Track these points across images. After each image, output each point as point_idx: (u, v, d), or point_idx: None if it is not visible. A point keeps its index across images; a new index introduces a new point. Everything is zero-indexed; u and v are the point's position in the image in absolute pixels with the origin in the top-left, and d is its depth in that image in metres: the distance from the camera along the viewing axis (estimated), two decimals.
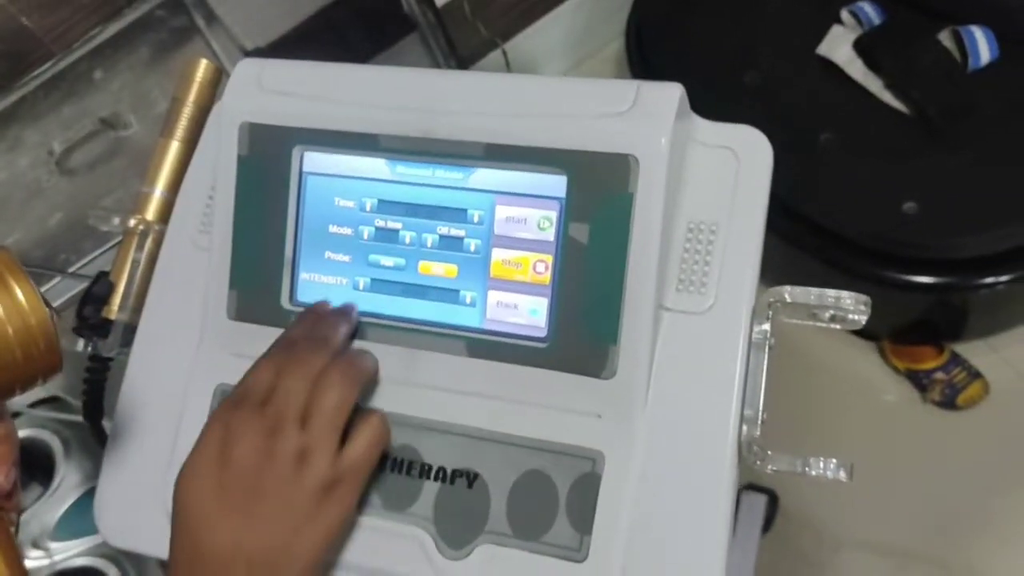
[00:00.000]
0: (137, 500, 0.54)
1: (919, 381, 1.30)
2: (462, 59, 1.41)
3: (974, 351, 1.30)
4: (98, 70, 1.15)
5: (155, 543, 0.53)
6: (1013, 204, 1.13)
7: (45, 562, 1.25)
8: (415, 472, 0.49)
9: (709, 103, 1.23)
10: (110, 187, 1.13)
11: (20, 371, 0.39)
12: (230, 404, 0.46)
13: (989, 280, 1.16)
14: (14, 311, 0.38)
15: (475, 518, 0.48)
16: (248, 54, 1.23)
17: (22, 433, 1.27)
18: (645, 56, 1.38)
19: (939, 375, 1.28)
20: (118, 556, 1.24)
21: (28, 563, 1.25)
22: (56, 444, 1.27)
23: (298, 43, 1.29)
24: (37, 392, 1.28)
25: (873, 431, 1.29)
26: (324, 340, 0.48)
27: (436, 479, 0.49)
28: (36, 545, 1.26)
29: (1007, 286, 1.16)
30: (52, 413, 1.27)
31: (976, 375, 1.28)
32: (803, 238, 1.17)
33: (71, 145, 1.13)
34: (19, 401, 1.29)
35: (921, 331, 1.30)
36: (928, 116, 1.17)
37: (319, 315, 0.50)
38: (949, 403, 1.28)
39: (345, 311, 0.51)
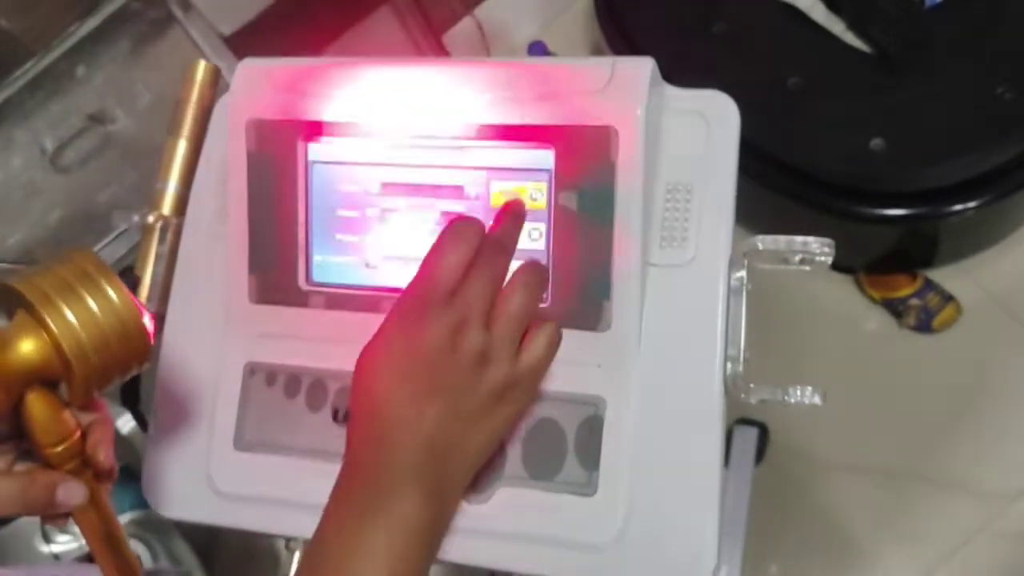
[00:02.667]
0: (182, 474, 0.59)
1: (895, 308, 1.36)
2: (435, 28, 1.44)
3: (946, 276, 1.36)
4: (80, 66, 1.17)
5: (201, 511, 0.58)
6: (974, 133, 1.18)
7: (73, 546, 1.30)
8: None
9: (679, 55, 1.27)
10: (105, 181, 1.16)
11: (117, 362, 0.42)
12: (417, 294, 0.46)
13: (956, 208, 1.21)
14: (108, 309, 0.42)
15: (493, 465, 0.53)
16: (226, 39, 1.25)
17: None
18: (615, 12, 1.41)
19: (914, 301, 1.34)
20: (146, 536, 1.29)
21: (56, 548, 1.31)
22: None
23: (272, 23, 1.31)
24: None
25: (854, 359, 1.35)
26: (504, 246, 0.48)
27: None
28: (63, 529, 1.31)
29: (974, 212, 1.21)
30: None
31: (949, 298, 1.34)
32: (778, 181, 1.22)
33: (62, 143, 1.15)
34: None
35: (894, 261, 1.36)
36: (889, 53, 1.22)
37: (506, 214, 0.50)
38: (925, 327, 1.34)
39: (514, 211, 0.50)
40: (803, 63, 1.25)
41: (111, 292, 0.42)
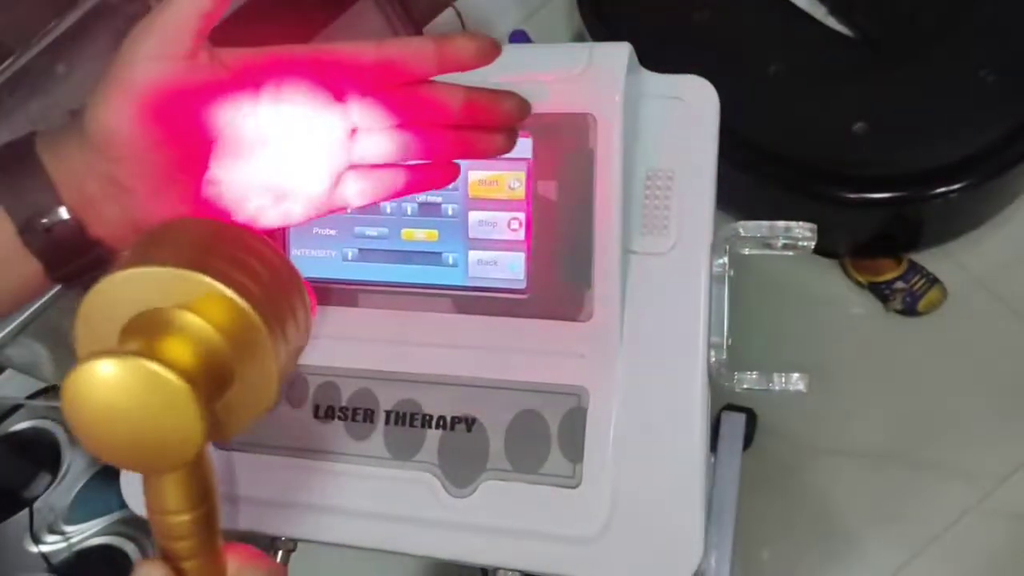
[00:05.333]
0: None
1: (881, 292, 1.36)
2: (416, 20, 1.43)
3: (930, 259, 1.36)
4: (60, 64, 1.16)
5: None
6: (957, 116, 1.18)
7: (63, 545, 1.29)
8: (417, 423, 0.54)
9: (660, 44, 1.26)
10: None
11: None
12: None
13: (940, 190, 1.21)
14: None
15: (477, 458, 0.52)
16: None
17: (25, 424, 1.31)
18: (596, 1, 1.40)
19: (899, 284, 1.34)
20: (135, 534, 1.29)
21: (45, 548, 1.30)
22: (60, 432, 1.31)
23: (253, 16, 1.29)
24: (34, 384, 1.31)
25: (841, 343, 1.35)
26: None
27: (437, 427, 0.53)
28: (52, 530, 1.30)
29: (958, 194, 1.21)
30: (53, 402, 1.30)
31: (934, 281, 1.34)
32: (761, 167, 1.21)
33: None
34: (18, 394, 1.32)
35: (879, 244, 1.35)
36: (871, 37, 1.21)
37: None
38: (911, 310, 1.34)
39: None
40: (785, 48, 1.24)
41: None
